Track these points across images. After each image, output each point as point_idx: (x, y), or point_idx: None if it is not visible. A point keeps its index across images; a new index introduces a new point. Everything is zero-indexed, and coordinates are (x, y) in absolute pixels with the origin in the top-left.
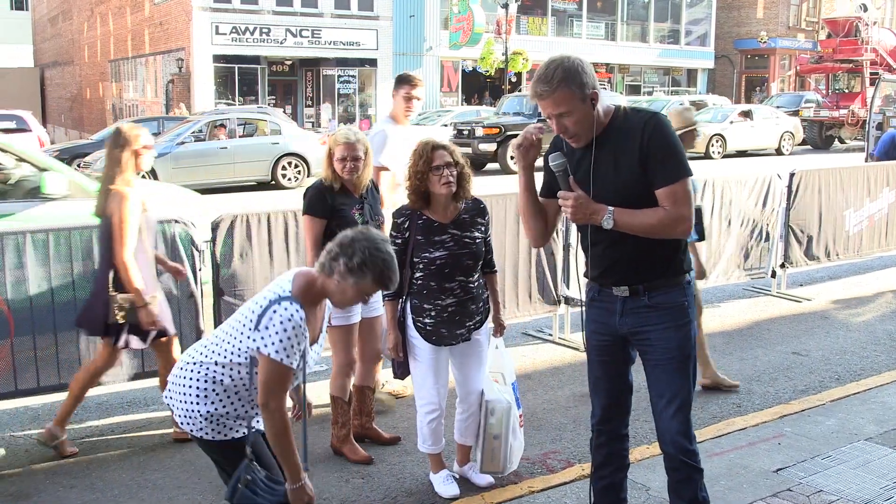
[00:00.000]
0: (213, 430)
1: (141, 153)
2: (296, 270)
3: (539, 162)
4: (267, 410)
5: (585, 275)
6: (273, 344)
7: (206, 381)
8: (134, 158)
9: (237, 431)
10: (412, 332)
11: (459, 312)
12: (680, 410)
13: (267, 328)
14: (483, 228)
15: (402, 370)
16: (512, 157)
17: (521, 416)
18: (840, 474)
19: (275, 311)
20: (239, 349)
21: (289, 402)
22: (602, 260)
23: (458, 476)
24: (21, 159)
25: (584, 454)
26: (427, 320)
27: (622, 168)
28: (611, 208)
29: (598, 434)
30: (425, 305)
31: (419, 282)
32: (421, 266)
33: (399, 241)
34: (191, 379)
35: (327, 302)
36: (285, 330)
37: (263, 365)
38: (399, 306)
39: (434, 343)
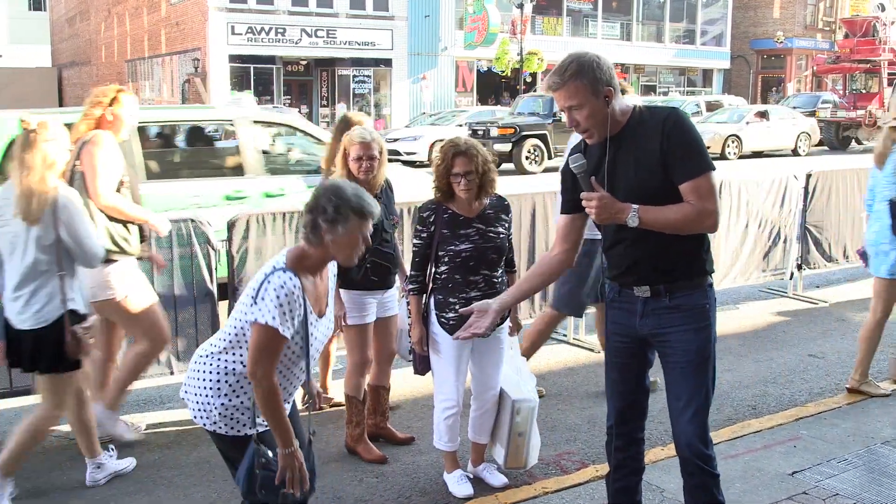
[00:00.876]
0: (226, 424)
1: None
2: (287, 248)
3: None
4: (255, 379)
5: (607, 275)
6: (268, 312)
7: (218, 373)
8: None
9: (250, 428)
10: (435, 328)
11: None
12: (697, 414)
13: (263, 299)
14: (507, 225)
15: (422, 366)
16: (527, 158)
17: None
18: (856, 478)
19: (269, 282)
20: (242, 329)
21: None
22: (623, 259)
23: (471, 476)
24: (307, 134)
25: (599, 455)
26: (451, 314)
27: (642, 167)
28: (635, 206)
29: (613, 437)
30: (450, 300)
31: (444, 276)
32: (446, 259)
33: (424, 234)
34: (204, 372)
35: (331, 274)
36: (277, 297)
37: (254, 332)
38: (422, 302)
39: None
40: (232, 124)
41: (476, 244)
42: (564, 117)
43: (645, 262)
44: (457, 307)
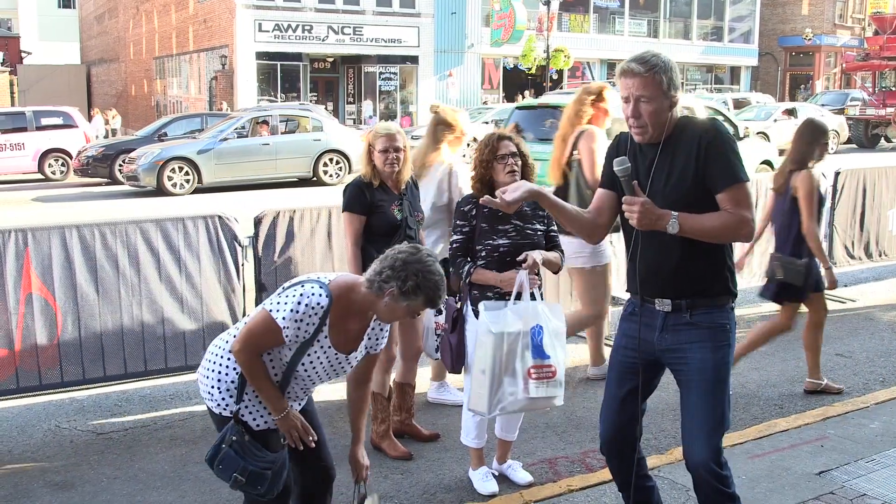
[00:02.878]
0: (217, 404)
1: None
2: (343, 272)
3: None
4: (235, 354)
5: (627, 287)
6: (279, 304)
7: (222, 355)
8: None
9: (233, 407)
10: (473, 324)
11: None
12: (711, 436)
13: (286, 297)
14: (545, 221)
15: (458, 364)
16: None
17: (541, 366)
18: (884, 478)
19: (302, 286)
20: None
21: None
22: (647, 270)
23: (496, 473)
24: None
25: None
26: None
27: (676, 175)
28: (675, 213)
29: (607, 459)
30: (487, 294)
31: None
32: (484, 253)
33: (466, 228)
34: (214, 355)
35: (375, 324)
36: (299, 302)
37: (257, 315)
38: (458, 301)
39: None
40: None
41: (514, 240)
42: (627, 108)
43: (668, 273)
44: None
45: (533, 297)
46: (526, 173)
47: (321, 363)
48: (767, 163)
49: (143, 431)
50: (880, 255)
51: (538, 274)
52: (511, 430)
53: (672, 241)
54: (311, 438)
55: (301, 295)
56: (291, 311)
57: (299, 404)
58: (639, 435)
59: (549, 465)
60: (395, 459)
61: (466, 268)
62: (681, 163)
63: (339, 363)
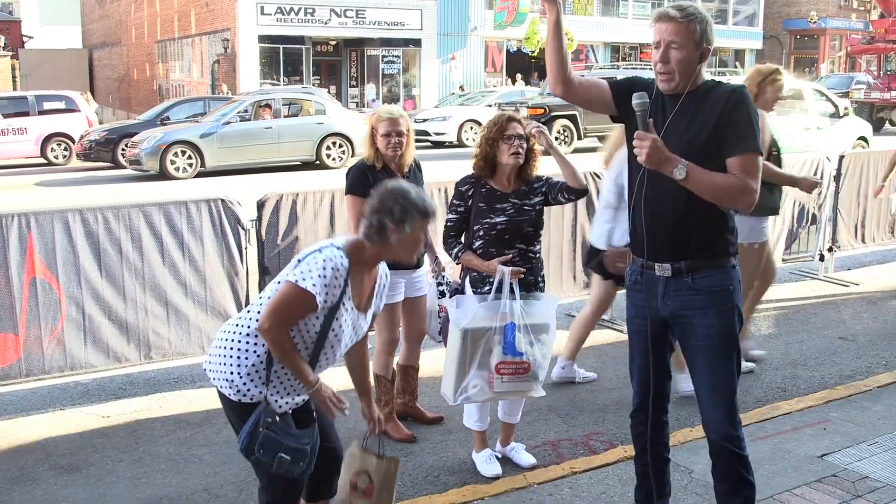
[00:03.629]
0: (238, 391)
1: None
2: (344, 234)
3: None
4: (263, 331)
5: (631, 249)
6: (302, 273)
7: (238, 340)
8: None
9: (258, 394)
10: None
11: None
12: (724, 397)
13: (308, 264)
14: (543, 189)
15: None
16: (557, 138)
17: (511, 362)
18: (887, 461)
19: (320, 251)
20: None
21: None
22: (649, 222)
23: (500, 456)
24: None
25: (627, 436)
26: (486, 289)
27: (693, 129)
28: (684, 160)
29: (636, 422)
30: (485, 276)
31: (479, 251)
32: (481, 233)
33: (461, 208)
34: (225, 339)
35: (382, 273)
36: (323, 267)
37: (282, 288)
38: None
39: None
40: None
41: (511, 217)
42: (656, 53)
43: (669, 226)
44: (492, 281)
45: (513, 291)
46: (530, 157)
47: (348, 325)
48: (863, 139)
49: (148, 415)
50: (884, 239)
51: (532, 263)
52: (514, 414)
53: (675, 192)
54: (344, 406)
55: (325, 260)
56: (320, 276)
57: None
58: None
59: (552, 447)
60: (399, 442)
61: (455, 250)
62: (701, 119)
63: (360, 324)
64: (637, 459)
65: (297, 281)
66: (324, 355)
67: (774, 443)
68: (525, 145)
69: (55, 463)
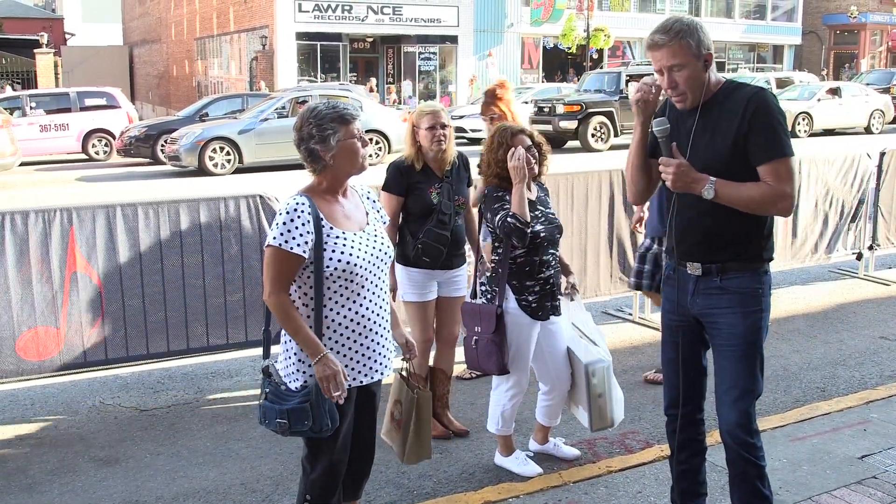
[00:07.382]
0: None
1: None
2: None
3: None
4: (265, 298)
5: (666, 250)
6: (275, 232)
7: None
8: None
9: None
10: (516, 312)
11: (555, 285)
12: (739, 400)
13: (273, 224)
14: (548, 199)
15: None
16: (593, 135)
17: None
18: None
19: (280, 210)
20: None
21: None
22: (683, 233)
23: (533, 454)
24: None
25: (663, 435)
26: (531, 297)
27: (717, 140)
28: (713, 178)
29: (671, 419)
30: (527, 283)
31: (520, 259)
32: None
33: (507, 205)
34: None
35: (365, 193)
36: (283, 219)
37: (265, 257)
38: (499, 292)
39: (540, 318)
40: None
41: (545, 226)
42: (662, 79)
43: (702, 233)
44: (535, 289)
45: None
46: (542, 162)
47: (357, 249)
48: None
49: (186, 409)
50: None
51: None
52: (555, 417)
53: (708, 206)
54: (339, 394)
55: (282, 213)
56: (282, 223)
57: (385, 338)
58: (703, 394)
59: (587, 446)
60: (435, 439)
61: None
62: (724, 127)
63: (372, 242)
64: (671, 458)
65: (267, 244)
66: (365, 308)
67: (813, 444)
68: (537, 153)
69: (94, 455)
